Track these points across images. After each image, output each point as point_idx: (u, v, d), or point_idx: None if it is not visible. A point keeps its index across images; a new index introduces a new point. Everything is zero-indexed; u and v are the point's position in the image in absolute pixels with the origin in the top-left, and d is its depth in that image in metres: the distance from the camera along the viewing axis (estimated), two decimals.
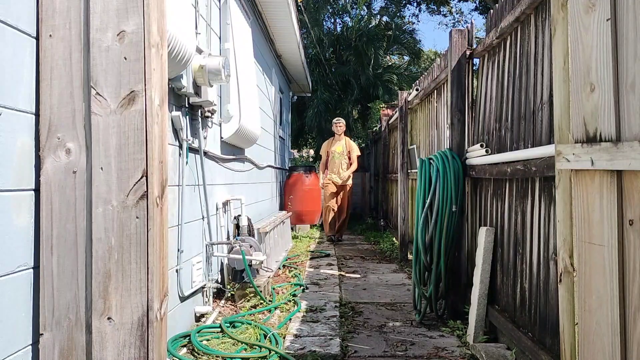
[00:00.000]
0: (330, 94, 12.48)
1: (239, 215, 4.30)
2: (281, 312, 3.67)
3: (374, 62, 12.47)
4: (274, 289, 4.25)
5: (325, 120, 11.74)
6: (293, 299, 3.98)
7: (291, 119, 11.29)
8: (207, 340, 2.96)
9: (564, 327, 1.67)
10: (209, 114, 3.49)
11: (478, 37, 5.15)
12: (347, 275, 5.17)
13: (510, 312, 2.71)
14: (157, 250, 1.59)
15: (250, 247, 3.92)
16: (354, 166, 7.83)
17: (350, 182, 7.86)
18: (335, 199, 7.81)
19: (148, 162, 1.58)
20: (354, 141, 11.47)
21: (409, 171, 6.14)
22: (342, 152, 7.75)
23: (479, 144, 3.16)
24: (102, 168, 1.57)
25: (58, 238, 1.56)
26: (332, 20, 14.84)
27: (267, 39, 7.06)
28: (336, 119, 8.01)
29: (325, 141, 8.19)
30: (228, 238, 4.21)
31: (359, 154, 8.09)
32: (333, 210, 7.80)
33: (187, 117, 3.22)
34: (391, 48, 13.99)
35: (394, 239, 7.38)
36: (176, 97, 3.03)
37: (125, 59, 1.57)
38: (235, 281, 3.91)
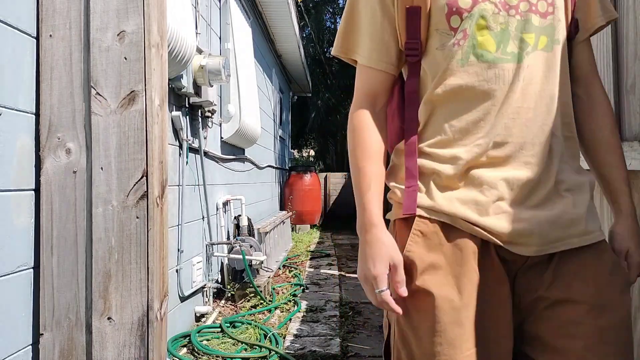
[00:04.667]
0: (332, 94, 12.47)
1: (239, 215, 4.30)
2: (281, 312, 3.67)
3: None
4: (274, 289, 4.25)
5: (326, 121, 11.71)
6: (293, 299, 3.98)
7: (291, 119, 11.29)
8: (207, 340, 2.96)
9: None
10: (209, 114, 3.50)
11: None
12: (347, 275, 5.17)
13: None
14: (157, 250, 1.59)
15: (251, 247, 3.92)
16: None
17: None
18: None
19: (148, 162, 1.58)
20: None
21: None
22: None
23: None
24: (102, 168, 1.57)
25: (58, 238, 1.56)
26: (333, 20, 14.85)
27: (267, 39, 7.06)
28: None
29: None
30: (228, 238, 4.21)
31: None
32: None
33: (187, 117, 3.22)
34: None
35: None
36: (176, 97, 3.03)
37: (126, 59, 1.57)
38: (236, 281, 3.91)
